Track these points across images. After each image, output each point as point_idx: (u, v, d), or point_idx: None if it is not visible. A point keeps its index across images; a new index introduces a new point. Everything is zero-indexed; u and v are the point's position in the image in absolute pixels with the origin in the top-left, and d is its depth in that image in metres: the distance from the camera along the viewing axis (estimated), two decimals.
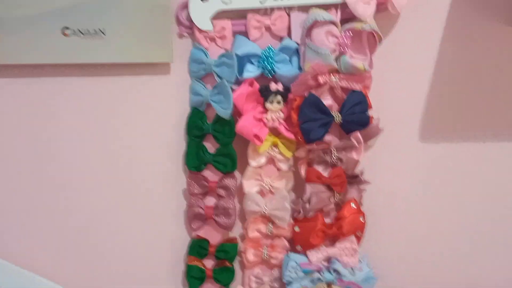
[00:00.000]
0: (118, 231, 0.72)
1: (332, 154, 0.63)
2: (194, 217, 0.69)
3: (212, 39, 0.64)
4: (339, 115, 0.63)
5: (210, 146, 0.67)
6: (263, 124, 0.64)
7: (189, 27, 0.65)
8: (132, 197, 0.70)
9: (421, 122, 0.68)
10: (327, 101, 0.63)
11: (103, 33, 0.64)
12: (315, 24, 0.60)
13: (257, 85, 0.63)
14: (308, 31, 0.61)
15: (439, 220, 0.72)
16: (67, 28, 0.64)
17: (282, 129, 0.64)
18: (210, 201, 0.68)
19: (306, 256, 0.64)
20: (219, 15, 0.63)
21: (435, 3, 0.65)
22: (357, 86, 0.62)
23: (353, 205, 0.65)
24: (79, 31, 0.64)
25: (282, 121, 0.64)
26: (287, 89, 0.63)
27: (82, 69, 0.65)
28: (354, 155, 0.64)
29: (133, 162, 0.69)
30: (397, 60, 0.66)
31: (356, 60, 0.62)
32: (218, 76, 0.64)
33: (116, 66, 0.65)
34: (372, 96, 0.64)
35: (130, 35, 0.63)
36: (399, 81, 0.67)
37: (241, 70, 0.63)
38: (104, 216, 0.72)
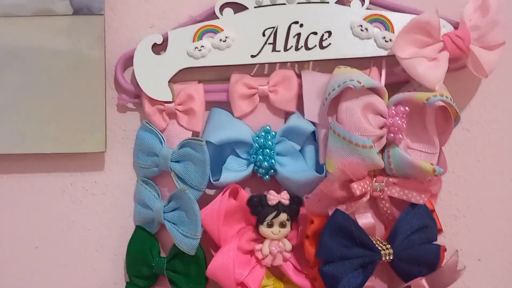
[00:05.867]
0: None
1: None
2: None
3: (172, 115, 0.50)
4: (389, 249, 0.47)
5: None
6: (256, 261, 0.48)
7: (135, 95, 0.51)
8: None
9: None
10: (367, 221, 0.48)
11: None
12: (345, 92, 0.45)
13: (245, 195, 0.48)
14: (332, 105, 0.47)
15: None
16: None
17: (289, 270, 0.48)
18: None
19: None
20: (184, 75, 0.50)
21: None
22: (418, 198, 0.47)
23: None
24: None
25: (288, 255, 0.48)
26: (296, 202, 0.48)
27: None
28: None
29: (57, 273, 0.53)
30: (479, 150, 0.52)
31: (416, 154, 0.47)
32: (179, 178, 0.48)
33: (13, 157, 0.51)
34: (441, 214, 0.50)
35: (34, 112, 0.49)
36: (485, 183, 0.52)
37: (218, 169, 0.48)
38: None
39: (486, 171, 0.52)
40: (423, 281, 0.47)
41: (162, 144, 0.48)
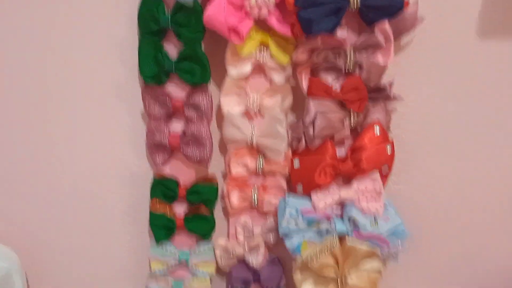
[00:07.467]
0: (55, 159, 0.62)
1: (347, 56, 0.52)
2: (156, 148, 0.58)
3: None
4: None
5: (173, 47, 0.55)
6: (245, 13, 0.52)
7: None
8: (73, 116, 0.60)
9: (482, 12, 0.53)
10: None
11: None
12: None
13: None
14: None
15: (494, 156, 0.57)
16: None
17: (273, 21, 0.52)
18: (177, 126, 0.57)
19: (310, 199, 0.54)
20: None
21: None
22: None
23: (377, 130, 0.54)
24: None
25: (273, 8, 0.52)
26: None
27: None
28: (379, 58, 0.52)
29: (72, 70, 0.59)
30: None
31: None
32: None
33: None
34: None
35: None
36: None
37: None
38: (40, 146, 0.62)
39: None
40: (386, 24, 0.50)
41: None
